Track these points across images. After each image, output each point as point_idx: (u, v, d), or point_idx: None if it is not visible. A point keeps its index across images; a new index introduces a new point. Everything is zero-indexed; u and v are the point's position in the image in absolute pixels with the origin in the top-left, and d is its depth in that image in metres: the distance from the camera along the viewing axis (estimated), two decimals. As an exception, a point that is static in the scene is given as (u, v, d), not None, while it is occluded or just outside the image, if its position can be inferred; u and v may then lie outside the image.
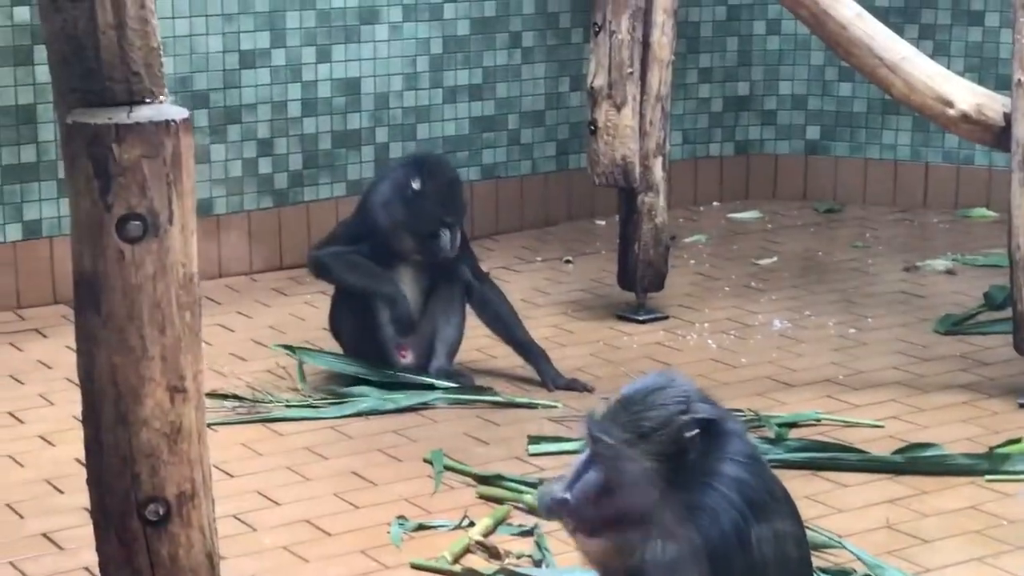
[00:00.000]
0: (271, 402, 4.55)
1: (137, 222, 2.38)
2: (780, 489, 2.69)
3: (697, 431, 2.60)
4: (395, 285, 4.66)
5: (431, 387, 4.61)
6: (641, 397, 2.65)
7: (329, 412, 4.50)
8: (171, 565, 2.50)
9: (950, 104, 4.61)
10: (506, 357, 4.89)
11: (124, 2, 2.41)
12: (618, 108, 5.19)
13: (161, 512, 2.47)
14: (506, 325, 4.80)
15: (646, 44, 5.21)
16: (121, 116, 2.39)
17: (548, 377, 4.71)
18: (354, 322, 4.68)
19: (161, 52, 2.48)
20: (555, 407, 4.55)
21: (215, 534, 2.59)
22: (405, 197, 4.63)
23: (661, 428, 2.62)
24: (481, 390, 4.64)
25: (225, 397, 4.56)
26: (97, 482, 2.49)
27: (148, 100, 2.44)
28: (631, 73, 5.18)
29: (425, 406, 4.56)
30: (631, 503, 2.62)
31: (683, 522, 2.57)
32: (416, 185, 4.60)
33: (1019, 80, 4.46)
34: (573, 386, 4.69)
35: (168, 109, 2.44)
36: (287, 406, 4.53)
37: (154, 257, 2.40)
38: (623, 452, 2.62)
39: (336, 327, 4.77)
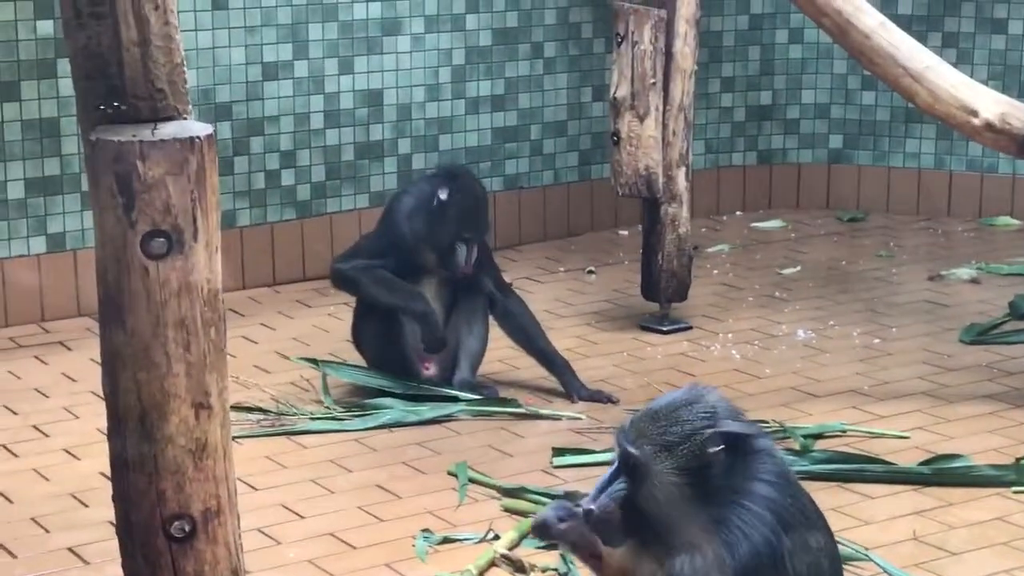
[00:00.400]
0: (295, 414, 4.55)
1: (161, 239, 2.38)
2: (812, 506, 2.67)
3: (722, 447, 2.58)
4: (425, 301, 4.65)
5: (455, 399, 4.60)
6: (668, 411, 2.64)
7: (353, 424, 4.50)
8: (196, 581, 2.50)
9: (974, 113, 4.59)
10: (529, 368, 4.88)
11: (148, 19, 2.41)
12: (641, 119, 5.18)
13: (187, 529, 2.47)
14: (529, 336, 4.79)
15: (668, 54, 5.21)
16: (145, 133, 2.39)
17: (572, 388, 4.70)
18: (377, 334, 4.67)
19: (185, 68, 2.49)
20: (579, 419, 4.55)
21: (240, 550, 2.59)
22: (429, 209, 4.63)
23: (685, 442, 2.61)
24: (505, 402, 4.63)
25: (249, 410, 4.56)
26: (123, 498, 2.49)
27: (172, 116, 2.44)
28: (654, 83, 5.17)
29: (449, 418, 4.55)
30: (655, 516, 2.61)
31: (710, 538, 2.56)
32: (443, 196, 4.60)
33: (1044, 89, 4.43)
34: (597, 397, 4.68)
35: (192, 125, 2.44)
36: (311, 419, 4.53)
37: (179, 274, 2.40)
38: (648, 464, 2.61)
39: (359, 339, 4.77)
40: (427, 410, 4.54)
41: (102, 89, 2.43)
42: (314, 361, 4.79)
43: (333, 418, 4.53)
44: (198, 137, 2.40)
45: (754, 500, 2.56)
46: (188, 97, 2.49)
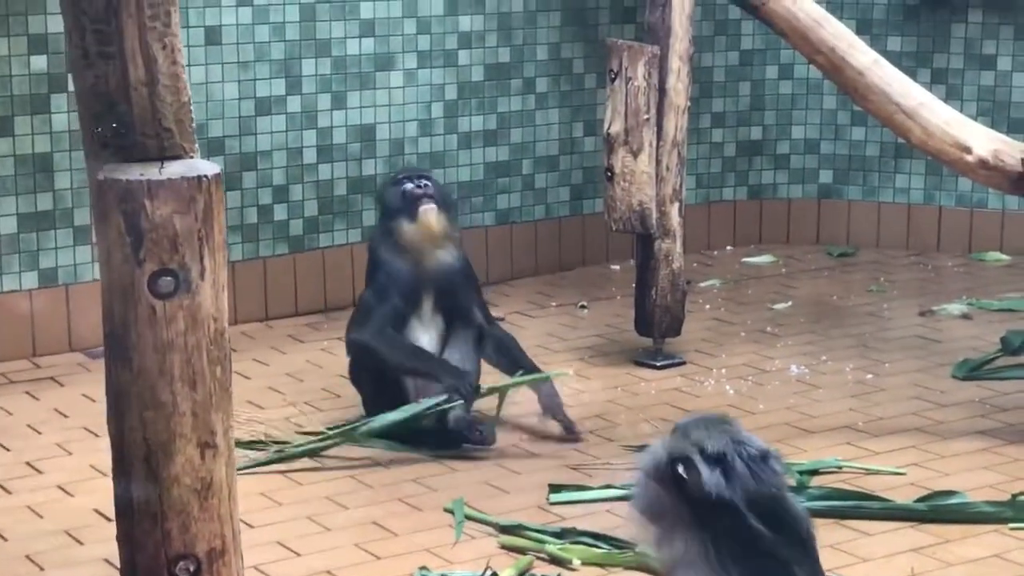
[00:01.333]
0: (297, 447, 4.51)
1: (169, 278, 2.38)
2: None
3: (680, 469, 2.55)
4: (455, 372, 4.61)
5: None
6: (678, 429, 2.64)
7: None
8: (201, 622, 2.49)
9: (968, 150, 4.62)
10: (523, 402, 4.88)
11: (156, 58, 2.42)
12: (635, 154, 5.19)
13: (192, 569, 2.46)
14: (513, 357, 4.77)
15: (662, 90, 5.22)
16: (153, 172, 2.39)
17: (543, 401, 4.67)
18: (376, 371, 4.66)
19: (191, 107, 2.49)
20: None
21: (244, 590, 2.58)
22: (384, 208, 4.79)
23: (660, 462, 2.60)
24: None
25: (244, 444, 4.53)
26: (127, 539, 2.48)
27: (179, 155, 2.45)
28: (647, 119, 5.19)
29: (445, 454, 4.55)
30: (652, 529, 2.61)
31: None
32: (381, 189, 4.89)
33: (1037, 126, 4.46)
34: (562, 419, 4.65)
35: (199, 164, 2.45)
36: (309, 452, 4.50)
37: (185, 312, 2.40)
38: (642, 479, 2.61)
39: (357, 376, 4.75)
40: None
41: (109, 128, 2.43)
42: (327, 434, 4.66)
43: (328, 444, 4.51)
44: (205, 176, 2.41)
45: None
46: (195, 136, 2.49)
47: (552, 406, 4.67)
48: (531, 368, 4.77)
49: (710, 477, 2.53)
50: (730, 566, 2.52)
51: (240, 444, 4.49)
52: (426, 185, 4.72)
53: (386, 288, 4.68)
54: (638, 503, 2.65)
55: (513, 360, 4.78)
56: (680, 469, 2.55)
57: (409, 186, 4.72)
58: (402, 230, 4.69)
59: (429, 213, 4.67)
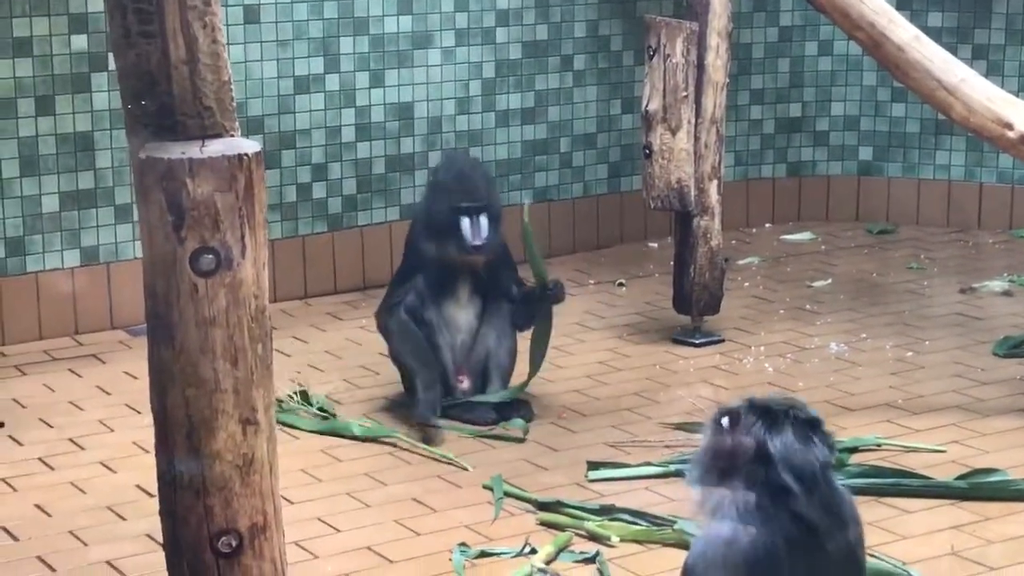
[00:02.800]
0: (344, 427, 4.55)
1: (210, 256, 2.40)
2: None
3: (725, 420, 2.59)
4: (434, 372, 4.61)
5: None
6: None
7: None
8: (243, 597, 2.51)
9: (1009, 126, 4.58)
10: (562, 381, 4.88)
11: (197, 37, 2.43)
12: (673, 132, 5.18)
13: (234, 544, 2.48)
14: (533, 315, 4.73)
15: (700, 67, 5.21)
16: (194, 150, 2.41)
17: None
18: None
19: (232, 86, 2.50)
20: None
21: (285, 565, 2.60)
22: (427, 199, 4.71)
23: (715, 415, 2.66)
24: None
25: (284, 425, 4.56)
26: (170, 514, 2.51)
27: (220, 134, 2.46)
28: (686, 96, 5.18)
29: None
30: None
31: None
32: (432, 177, 4.67)
33: (1080, 102, 4.42)
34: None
35: (240, 143, 2.46)
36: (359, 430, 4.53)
37: (227, 290, 2.42)
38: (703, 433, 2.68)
39: (397, 353, 4.76)
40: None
41: (151, 107, 2.45)
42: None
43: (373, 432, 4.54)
44: (246, 154, 2.42)
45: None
46: (235, 115, 2.50)
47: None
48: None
49: (751, 428, 2.56)
50: (757, 521, 2.54)
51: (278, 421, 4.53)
52: (483, 238, 4.56)
53: (412, 271, 4.69)
54: (696, 458, 2.68)
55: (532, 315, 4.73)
56: (725, 420, 2.59)
57: (467, 227, 4.56)
58: (449, 253, 4.64)
59: (476, 257, 4.64)
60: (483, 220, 4.59)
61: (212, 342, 2.42)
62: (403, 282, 4.71)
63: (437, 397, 4.59)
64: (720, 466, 2.61)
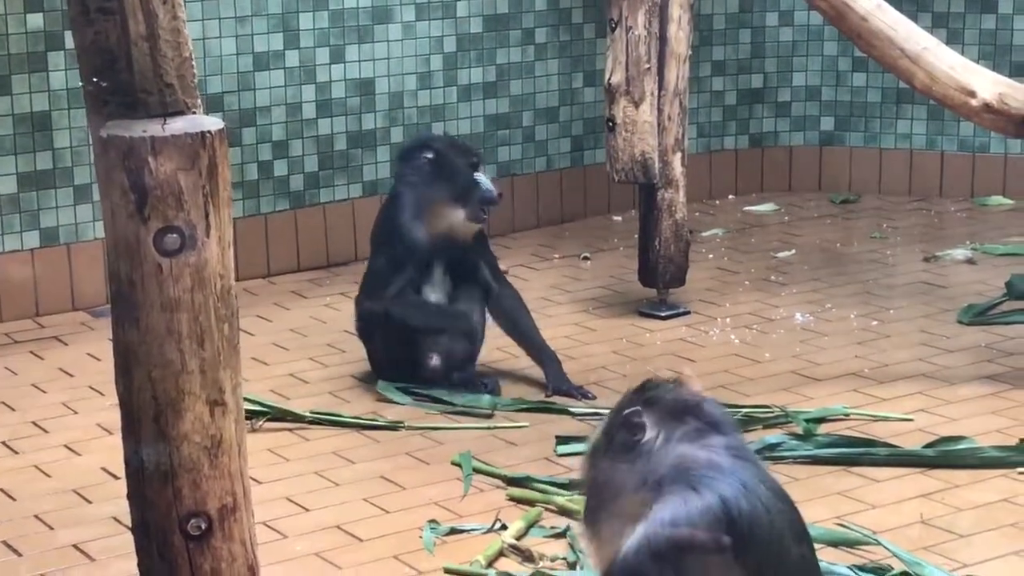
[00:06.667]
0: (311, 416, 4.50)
1: (174, 235, 2.36)
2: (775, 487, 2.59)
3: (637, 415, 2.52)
4: (465, 317, 4.66)
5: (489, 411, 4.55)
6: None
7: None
8: (213, 579, 2.48)
9: (972, 94, 4.59)
10: (525, 357, 4.87)
11: (156, 13, 2.39)
12: (636, 104, 5.16)
13: (203, 527, 2.45)
14: (520, 328, 4.77)
15: (663, 39, 5.19)
16: (156, 128, 2.37)
17: (552, 380, 4.67)
18: (385, 326, 4.65)
19: (193, 62, 2.47)
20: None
21: (255, 546, 2.57)
22: (426, 179, 4.64)
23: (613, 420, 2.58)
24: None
25: (250, 403, 4.52)
26: (138, 497, 2.47)
27: (182, 111, 2.42)
28: (648, 68, 5.16)
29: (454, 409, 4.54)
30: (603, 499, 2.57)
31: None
32: (430, 155, 4.64)
33: (1042, 69, 4.43)
34: (571, 392, 4.62)
35: (203, 120, 2.42)
36: (313, 416, 4.48)
37: (192, 270, 2.38)
38: (591, 453, 2.60)
39: (366, 331, 4.73)
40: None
41: (110, 85, 2.41)
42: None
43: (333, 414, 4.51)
44: (209, 132, 2.38)
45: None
46: (197, 92, 2.47)
47: (560, 388, 4.65)
48: (537, 343, 4.75)
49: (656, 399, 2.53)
50: (709, 482, 2.46)
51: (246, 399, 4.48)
52: (500, 192, 4.71)
53: (403, 258, 4.63)
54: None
55: (519, 330, 4.77)
56: (633, 408, 2.53)
57: (485, 182, 4.63)
58: (454, 216, 4.63)
59: (485, 220, 4.68)
60: (487, 174, 4.71)
61: (177, 323, 2.39)
62: (396, 270, 4.62)
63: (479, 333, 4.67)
64: (632, 456, 2.52)
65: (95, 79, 2.36)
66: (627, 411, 2.53)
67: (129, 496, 2.49)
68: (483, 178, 4.65)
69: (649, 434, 2.50)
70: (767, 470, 2.57)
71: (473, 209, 4.63)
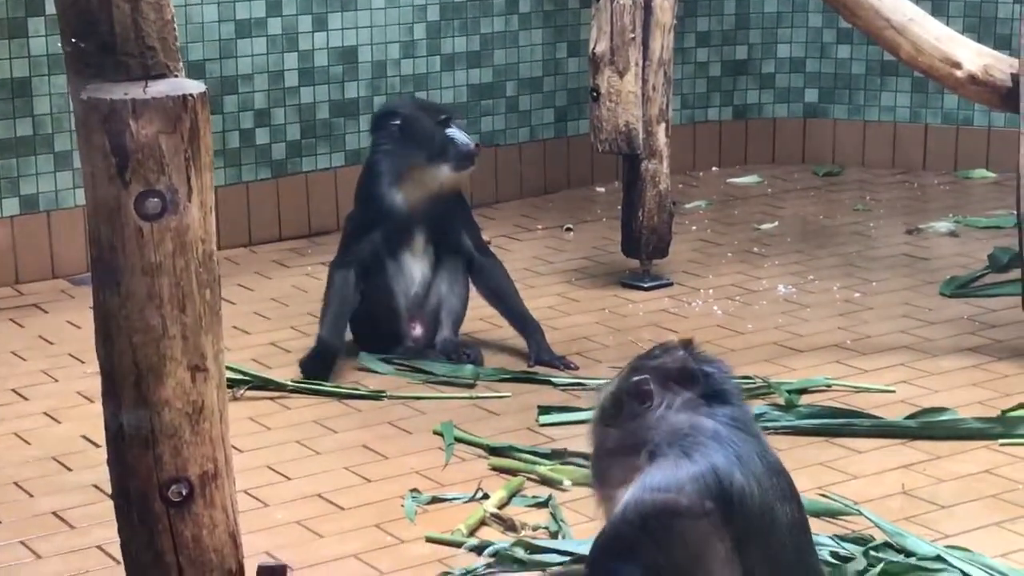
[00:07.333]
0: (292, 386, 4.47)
1: (155, 199, 2.34)
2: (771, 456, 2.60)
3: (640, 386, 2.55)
4: (333, 346, 4.56)
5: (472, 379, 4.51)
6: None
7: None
8: (194, 546, 2.48)
9: (957, 66, 4.58)
10: (508, 327, 4.85)
11: (137, -26, 2.36)
12: (620, 74, 5.14)
13: (184, 493, 2.44)
14: (503, 298, 4.76)
15: (648, 8, 5.16)
16: (137, 91, 2.35)
17: (535, 351, 4.66)
18: (366, 294, 4.63)
19: (175, 25, 2.44)
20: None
21: (237, 513, 2.56)
22: (399, 142, 4.64)
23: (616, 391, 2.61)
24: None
25: (232, 371, 4.50)
26: (118, 463, 2.46)
27: (164, 74, 2.40)
28: (633, 38, 5.13)
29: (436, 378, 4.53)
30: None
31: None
32: (399, 121, 4.64)
33: (1027, 41, 4.42)
34: (554, 363, 4.62)
35: (185, 83, 2.40)
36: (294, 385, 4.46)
37: (173, 234, 2.37)
38: (598, 418, 2.62)
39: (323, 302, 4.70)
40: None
41: (91, 47, 2.38)
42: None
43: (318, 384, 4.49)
44: (191, 95, 2.36)
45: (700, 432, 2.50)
46: (179, 54, 2.44)
47: (543, 358, 4.64)
48: (520, 313, 4.73)
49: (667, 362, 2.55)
50: (707, 451, 2.48)
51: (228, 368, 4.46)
52: (477, 143, 4.67)
53: (371, 223, 4.63)
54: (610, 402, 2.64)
55: (502, 300, 4.76)
56: (641, 374, 2.55)
57: (460, 136, 4.61)
58: (436, 174, 4.62)
59: (471, 168, 4.65)
60: (461, 127, 4.67)
61: (159, 288, 2.37)
62: (360, 236, 4.64)
63: (327, 366, 4.52)
64: (637, 418, 2.54)
65: (74, 40, 2.33)
66: (636, 378, 2.55)
67: (109, 462, 2.47)
68: (457, 132, 4.63)
69: (656, 400, 2.52)
70: (766, 443, 2.58)
71: (455, 162, 4.62)
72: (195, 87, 2.37)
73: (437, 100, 6.12)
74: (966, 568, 3.31)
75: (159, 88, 2.36)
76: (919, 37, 4.58)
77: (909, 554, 3.39)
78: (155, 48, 2.40)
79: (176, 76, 2.43)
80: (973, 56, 4.59)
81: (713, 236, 5.99)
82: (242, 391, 4.40)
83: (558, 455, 3.95)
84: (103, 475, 2.57)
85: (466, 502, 3.73)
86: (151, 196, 2.33)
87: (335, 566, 3.46)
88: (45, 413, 4.33)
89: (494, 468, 3.93)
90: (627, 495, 2.46)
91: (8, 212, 5.38)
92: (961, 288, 5.28)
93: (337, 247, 4.77)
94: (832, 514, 3.62)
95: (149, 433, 2.41)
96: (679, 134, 6.49)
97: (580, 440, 4.02)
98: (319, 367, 4.50)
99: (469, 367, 4.56)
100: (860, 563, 3.33)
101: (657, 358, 2.61)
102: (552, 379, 4.51)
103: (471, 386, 4.48)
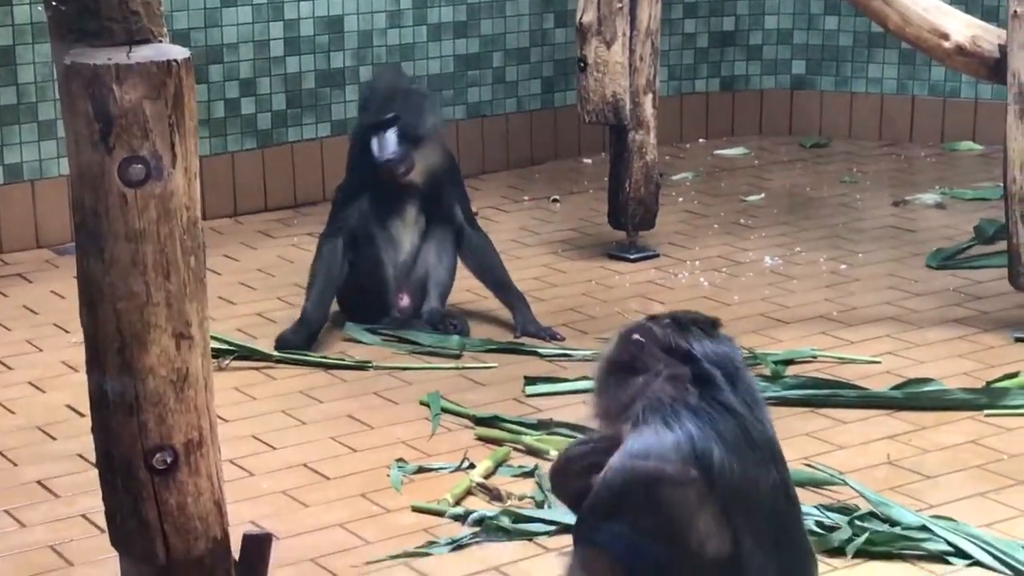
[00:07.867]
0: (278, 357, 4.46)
1: (139, 165, 2.32)
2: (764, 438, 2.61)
3: (637, 335, 2.55)
4: (317, 316, 4.54)
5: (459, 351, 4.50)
6: None
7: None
8: (179, 514, 2.46)
9: (945, 36, 4.57)
10: (494, 299, 4.85)
11: (121, -62, 2.34)
12: (608, 44, 5.12)
13: (168, 461, 2.42)
14: (489, 270, 4.76)
15: (635, -22, 5.14)
16: (121, 56, 2.32)
17: (520, 322, 4.65)
18: (354, 265, 4.62)
19: (159, -10, 2.42)
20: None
21: (222, 482, 2.55)
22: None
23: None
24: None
25: (217, 341, 4.49)
26: (102, 431, 2.44)
27: (148, 39, 2.37)
28: (620, 8, 5.11)
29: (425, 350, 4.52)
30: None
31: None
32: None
33: (1015, 12, 4.41)
34: (539, 334, 4.61)
35: (169, 48, 2.37)
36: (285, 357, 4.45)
37: (157, 201, 2.34)
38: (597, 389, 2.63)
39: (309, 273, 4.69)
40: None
41: (74, 12, 2.36)
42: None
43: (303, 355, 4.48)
44: (175, 60, 2.33)
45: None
46: (163, 20, 2.42)
47: (528, 330, 4.63)
48: (504, 282, 4.74)
49: (664, 334, 2.53)
50: (687, 423, 2.49)
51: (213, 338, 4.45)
52: (390, 152, 4.52)
53: (356, 191, 4.62)
54: (604, 370, 2.63)
55: (488, 272, 4.76)
56: (637, 335, 2.55)
57: (375, 143, 4.52)
58: (375, 175, 4.60)
59: (399, 173, 4.58)
60: (390, 135, 4.53)
61: (143, 255, 2.35)
62: (347, 203, 4.62)
63: (306, 340, 4.50)
64: (633, 376, 2.55)
65: (56, 3, 2.31)
66: (633, 346, 2.54)
67: (93, 430, 2.46)
68: (374, 144, 4.53)
69: (651, 369, 2.52)
70: (761, 414, 2.57)
71: (383, 173, 4.56)
72: (179, 52, 2.35)
73: (423, 71, 6.11)
74: (951, 537, 3.33)
75: (143, 53, 2.33)
76: (907, 8, 4.57)
77: (894, 524, 3.40)
78: (139, 13, 2.37)
79: (160, 41, 2.40)
80: (961, 27, 4.58)
81: (700, 208, 5.99)
82: (227, 361, 4.39)
83: (544, 425, 3.95)
84: (88, 444, 2.55)
85: (452, 472, 3.73)
86: (135, 162, 2.31)
87: (320, 535, 3.46)
88: (30, 383, 4.32)
89: (480, 438, 3.93)
90: (611, 460, 2.47)
91: (-8, 181, 5.36)
92: (947, 260, 5.28)
93: (327, 218, 4.75)
94: (817, 484, 3.63)
95: (133, 400, 2.39)
96: (666, 105, 6.47)
97: (566, 411, 4.05)
98: (297, 340, 4.48)
99: (455, 338, 4.55)
100: (845, 532, 3.34)
101: (657, 328, 2.60)
102: (538, 350, 4.50)
103: (457, 356, 4.47)
